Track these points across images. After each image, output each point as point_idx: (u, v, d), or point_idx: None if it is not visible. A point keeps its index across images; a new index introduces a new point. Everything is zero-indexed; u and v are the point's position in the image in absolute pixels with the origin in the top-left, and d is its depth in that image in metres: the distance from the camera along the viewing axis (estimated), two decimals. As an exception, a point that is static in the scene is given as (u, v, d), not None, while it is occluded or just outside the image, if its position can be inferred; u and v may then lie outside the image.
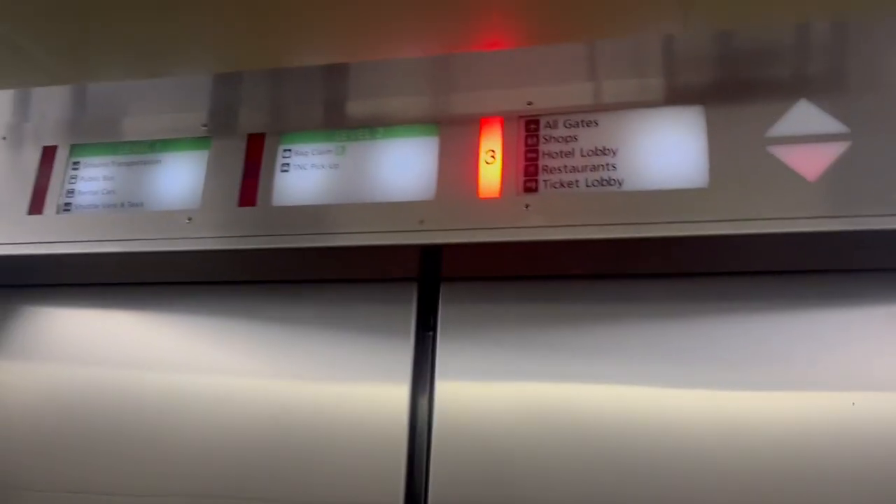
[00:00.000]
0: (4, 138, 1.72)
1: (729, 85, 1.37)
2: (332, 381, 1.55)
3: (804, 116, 1.32)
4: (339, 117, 1.55)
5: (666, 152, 1.37)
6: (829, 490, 1.29)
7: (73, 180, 1.66)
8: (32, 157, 1.69)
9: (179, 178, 1.59)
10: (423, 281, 1.59)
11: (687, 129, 1.37)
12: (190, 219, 1.54)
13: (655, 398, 1.41)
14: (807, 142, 1.31)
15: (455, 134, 1.47)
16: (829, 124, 1.31)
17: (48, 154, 1.69)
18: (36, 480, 1.61)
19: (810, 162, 1.30)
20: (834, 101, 1.32)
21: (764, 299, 1.41)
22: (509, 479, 1.41)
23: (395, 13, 1.39)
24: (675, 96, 1.39)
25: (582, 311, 1.50)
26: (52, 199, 1.65)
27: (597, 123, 1.42)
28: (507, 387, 1.48)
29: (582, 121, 1.43)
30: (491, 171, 1.43)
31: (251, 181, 1.54)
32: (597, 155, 1.40)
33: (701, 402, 1.39)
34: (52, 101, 1.70)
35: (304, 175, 1.53)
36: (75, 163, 1.67)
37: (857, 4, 1.25)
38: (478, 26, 1.37)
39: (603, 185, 1.38)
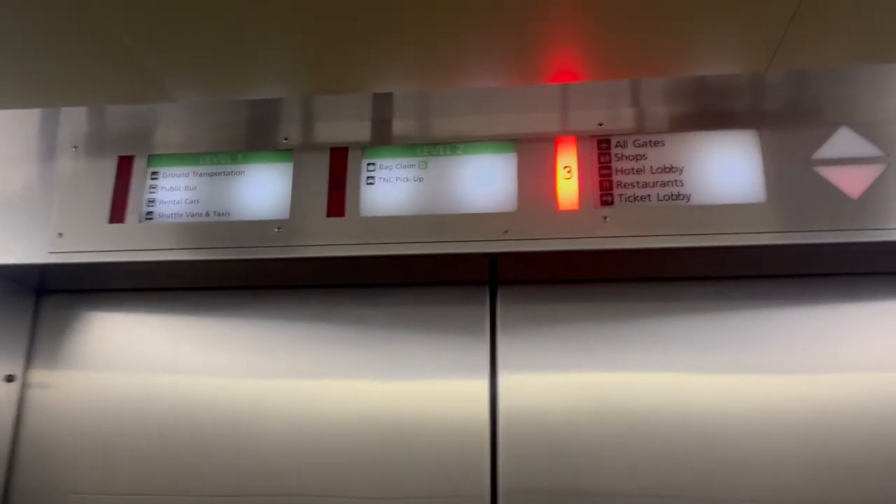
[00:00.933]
0: (76, 147, 1.76)
1: (780, 113, 1.56)
2: (413, 379, 1.67)
3: (846, 141, 1.53)
4: (423, 134, 1.67)
5: (727, 171, 1.55)
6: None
7: (153, 190, 1.72)
8: (108, 167, 1.74)
9: (265, 189, 1.68)
10: (492, 283, 1.73)
11: (743, 150, 1.56)
12: (279, 228, 1.63)
13: (701, 385, 1.59)
14: (849, 163, 1.51)
15: (532, 151, 1.61)
16: (868, 149, 1.52)
17: (124, 164, 1.74)
18: (123, 485, 1.67)
19: (853, 181, 1.50)
20: (871, 129, 1.52)
21: (805, 299, 1.61)
22: (572, 466, 1.57)
23: (483, 46, 1.52)
24: (732, 122, 1.57)
25: (631, 309, 1.67)
26: (133, 208, 1.70)
27: (664, 144, 1.59)
28: (567, 378, 1.63)
29: (650, 141, 1.59)
30: (568, 186, 1.58)
31: (338, 193, 1.64)
32: (665, 172, 1.57)
33: (743, 389, 1.58)
34: (126, 115, 1.75)
35: (390, 187, 1.64)
36: (154, 173, 1.73)
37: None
38: (571, 57, 1.51)
39: (673, 199, 1.55)
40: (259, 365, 1.72)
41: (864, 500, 1.48)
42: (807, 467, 1.51)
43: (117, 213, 1.70)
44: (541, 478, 1.57)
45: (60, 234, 1.69)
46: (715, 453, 1.54)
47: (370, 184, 1.65)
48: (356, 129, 1.69)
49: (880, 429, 1.52)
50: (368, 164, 1.67)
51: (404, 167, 1.66)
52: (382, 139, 1.68)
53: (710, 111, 1.59)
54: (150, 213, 1.70)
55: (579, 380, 1.63)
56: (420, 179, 1.64)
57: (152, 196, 1.72)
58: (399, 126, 1.69)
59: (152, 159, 1.74)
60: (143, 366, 1.75)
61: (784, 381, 1.57)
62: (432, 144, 1.66)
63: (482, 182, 1.62)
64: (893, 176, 1.49)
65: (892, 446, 1.50)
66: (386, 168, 1.66)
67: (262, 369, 1.71)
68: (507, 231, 1.56)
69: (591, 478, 1.55)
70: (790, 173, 1.52)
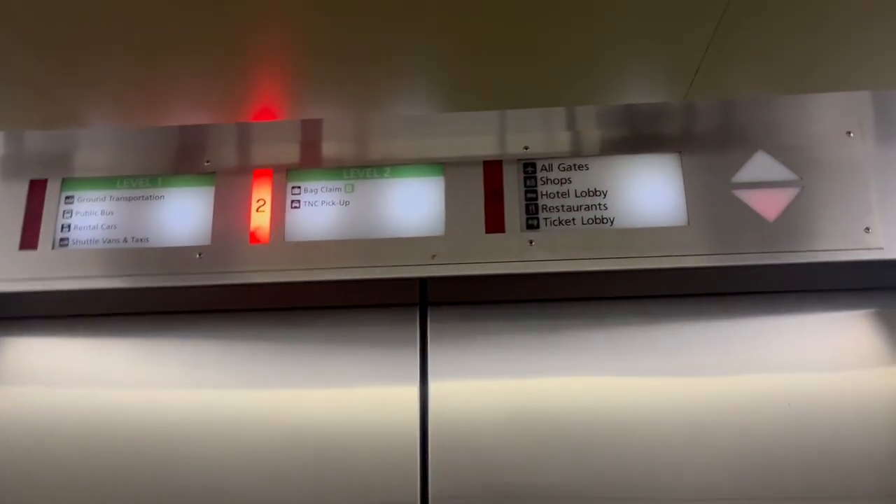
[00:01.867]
0: (-16, 171, 1.68)
1: (700, 138, 1.60)
2: (343, 388, 1.65)
3: (762, 165, 1.57)
4: (349, 157, 1.65)
5: (649, 194, 1.58)
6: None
7: (67, 215, 1.65)
8: (19, 191, 1.67)
9: (186, 214, 1.63)
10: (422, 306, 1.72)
11: (665, 173, 1.58)
12: (200, 254, 1.59)
13: (623, 390, 1.61)
14: (765, 187, 1.56)
15: (459, 174, 1.61)
16: (783, 172, 1.56)
17: (37, 188, 1.67)
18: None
19: (769, 204, 1.54)
20: (785, 153, 1.57)
21: (723, 315, 1.65)
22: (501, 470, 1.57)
23: (402, 72, 1.51)
24: (655, 146, 1.60)
25: (557, 325, 1.68)
26: (46, 234, 1.63)
27: (588, 167, 1.61)
28: (495, 385, 1.63)
29: (574, 164, 1.61)
30: (495, 210, 1.58)
31: (261, 217, 1.61)
32: (590, 196, 1.59)
33: (663, 394, 1.61)
34: (38, 138, 1.67)
35: (315, 211, 1.62)
36: (68, 197, 1.66)
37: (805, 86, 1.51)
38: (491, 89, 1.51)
39: (597, 222, 1.57)
40: (186, 384, 1.67)
41: (776, 493, 1.53)
42: (724, 466, 1.55)
43: (29, 239, 1.63)
44: (470, 483, 1.57)
45: (-34, 262, 1.61)
46: (640, 454, 1.56)
47: (295, 208, 1.62)
48: (281, 152, 1.66)
49: (791, 427, 1.56)
50: (293, 188, 1.64)
51: (330, 190, 1.63)
52: (308, 162, 1.65)
53: (633, 136, 1.62)
54: (64, 239, 1.64)
55: (507, 387, 1.63)
56: (346, 203, 1.62)
57: (67, 221, 1.65)
58: (325, 149, 1.66)
59: (67, 183, 1.67)
60: (61, 388, 1.68)
61: (703, 386, 1.61)
62: (359, 167, 1.64)
63: (410, 206, 1.61)
64: (807, 199, 1.54)
65: (806, 447, 1.55)
66: (311, 191, 1.63)
67: (190, 388, 1.67)
68: (434, 255, 1.56)
69: (520, 481, 1.56)
70: (710, 196, 1.56)
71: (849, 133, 1.58)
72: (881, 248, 1.50)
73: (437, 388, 1.64)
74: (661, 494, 1.54)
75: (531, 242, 1.55)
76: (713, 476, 1.54)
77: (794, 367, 1.60)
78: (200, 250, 1.59)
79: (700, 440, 1.56)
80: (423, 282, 1.61)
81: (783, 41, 1.33)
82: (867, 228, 1.51)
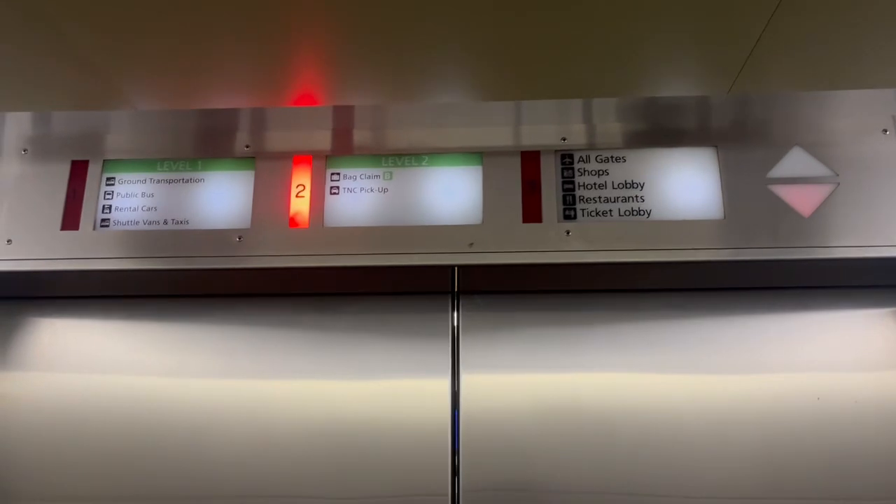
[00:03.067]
0: (25, 151, 1.70)
1: (737, 133, 1.61)
2: (376, 380, 1.67)
3: (798, 161, 1.58)
4: (388, 145, 1.66)
5: (686, 187, 1.59)
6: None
7: (108, 196, 1.67)
8: (61, 172, 1.68)
9: (226, 198, 1.65)
10: (454, 293, 1.74)
11: (702, 167, 1.60)
12: (240, 238, 1.61)
13: (657, 387, 1.63)
14: (801, 183, 1.57)
15: (497, 164, 1.63)
16: (819, 169, 1.58)
17: (78, 169, 1.68)
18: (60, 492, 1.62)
19: (805, 199, 1.56)
20: (822, 150, 1.59)
21: (756, 310, 1.67)
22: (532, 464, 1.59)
23: (441, 60, 1.52)
24: (692, 139, 1.62)
25: (591, 317, 1.70)
26: (87, 215, 1.65)
27: (625, 160, 1.62)
28: (527, 379, 1.65)
29: (612, 156, 1.63)
30: (532, 200, 1.60)
31: (301, 202, 1.62)
32: (627, 188, 1.60)
33: (698, 391, 1.62)
34: (81, 119, 1.69)
35: (354, 198, 1.63)
36: (109, 178, 1.68)
37: (849, 83, 1.52)
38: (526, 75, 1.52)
39: (634, 214, 1.58)
40: (219, 370, 1.69)
41: (807, 493, 1.54)
42: (756, 463, 1.56)
43: (70, 220, 1.65)
44: (501, 476, 1.58)
45: (9, 241, 1.62)
46: (671, 451, 1.58)
47: (334, 194, 1.64)
48: (320, 139, 1.68)
49: (823, 427, 1.58)
50: (332, 174, 1.66)
51: (369, 178, 1.65)
52: (347, 149, 1.67)
53: (670, 129, 1.63)
54: (105, 220, 1.65)
55: (539, 381, 1.65)
56: (385, 190, 1.64)
57: (108, 203, 1.67)
58: (364, 136, 1.68)
59: (108, 164, 1.69)
60: (97, 371, 1.70)
61: (736, 383, 1.62)
62: (398, 155, 1.66)
63: (448, 194, 1.63)
64: (842, 195, 1.56)
65: (836, 445, 1.56)
66: (350, 178, 1.65)
67: (223, 374, 1.68)
68: (472, 244, 1.57)
69: (550, 475, 1.58)
70: (747, 191, 1.57)
71: (884, 131, 1.59)
72: (916, 246, 1.52)
73: (469, 379, 1.65)
74: (691, 492, 1.55)
75: (568, 232, 1.57)
76: (745, 474, 1.55)
77: (826, 364, 1.62)
78: (240, 234, 1.61)
79: (731, 438, 1.57)
80: (457, 270, 1.63)
81: (831, 37, 1.34)
82: (902, 226, 1.53)
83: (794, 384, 1.61)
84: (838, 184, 1.56)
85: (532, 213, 1.59)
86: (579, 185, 1.61)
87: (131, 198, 1.67)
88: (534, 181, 1.61)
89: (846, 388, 1.60)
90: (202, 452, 1.63)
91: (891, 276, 1.60)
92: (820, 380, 1.61)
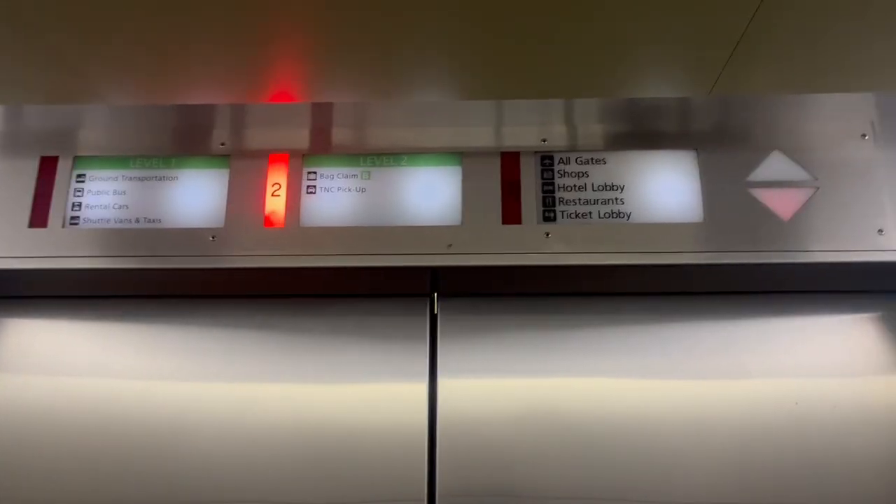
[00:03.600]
0: (-6, 146, 1.66)
1: (717, 136, 1.61)
2: (351, 384, 1.63)
3: (778, 165, 1.58)
4: (367, 144, 1.64)
5: (666, 190, 1.58)
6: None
7: (78, 193, 1.63)
8: (29, 168, 1.64)
9: (200, 196, 1.61)
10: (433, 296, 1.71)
11: (682, 170, 1.59)
12: (214, 237, 1.57)
13: (634, 391, 1.61)
14: (781, 187, 1.57)
15: (477, 165, 1.61)
16: (798, 173, 1.58)
17: (47, 165, 1.64)
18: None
19: (784, 203, 1.56)
20: (801, 154, 1.58)
21: (734, 314, 1.66)
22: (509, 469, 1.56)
23: (422, 58, 1.50)
24: (672, 142, 1.61)
25: (569, 321, 1.68)
26: (56, 212, 1.61)
27: (605, 161, 1.61)
28: (505, 383, 1.62)
29: (592, 158, 1.61)
30: (512, 201, 1.58)
31: (277, 201, 1.59)
32: (607, 190, 1.59)
33: (674, 395, 1.61)
34: (51, 113, 1.65)
35: (331, 197, 1.61)
36: (80, 175, 1.64)
37: (831, 86, 1.52)
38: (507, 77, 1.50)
39: (613, 216, 1.57)
40: (192, 373, 1.65)
41: (786, 498, 1.53)
42: (735, 468, 1.55)
43: (38, 218, 1.61)
44: (478, 481, 1.56)
45: (-26, 239, 1.58)
46: (650, 456, 1.56)
47: (311, 193, 1.61)
48: (297, 137, 1.65)
49: (801, 432, 1.57)
50: (309, 173, 1.63)
51: (346, 177, 1.62)
52: (324, 148, 1.64)
53: (650, 131, 1.62)
54: (74, 217, 1.61)
55: (518, 386, 1.63)
56: (363, 190, 1.61)
57: (78, 200, 1.63)
58: (342, 135, 1.65)
59: (79, 161, 1.65)
60: (64, 373, 1.65)
61: (716, 388, 1.61)
62: (376, 155, 1.64)
63: (426, 195, 1.60)
64: (821, 200, 1.56)
65: (813, 448, 1.56)
66: (327, 178, 1.62)
67: (196, 377, 1.64)
68: (450, 245, 1.55)
69: (528, 481, 1.55)
70: (726, 194, 1.57)
71: (863, 136, 1.59)
72: (894, 251, 1.51)
73: (446, 383, 1.62)
74: (670, 498, 1.53)
75: (547, 234, 1.55)
76: (723, 479, 1.54)
77: (804, 369, 1.61)
78: (214, 233, 1.58)
79: (710, 442, 1.56)
80: (435, 272, 1.61)
81: (812, 39, 1.33)
82: (880, 230, 1.53)
83: (772, 389, 1.60)
84: (817, 188, 1.56)
85: (511, 214, 1.57)
86: (559, 187, 1.60)
87: (102, 195, 1.63)
88: (513, 182, 1.59)
89: (825, 393, 1.60)
90: (172, 458, 1.58)
91: (870, 282, 1.60)
92: (798, 385, 1.61)
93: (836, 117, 1.59)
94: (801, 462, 1.55)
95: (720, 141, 1.60)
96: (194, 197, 1.62)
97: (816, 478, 1.54)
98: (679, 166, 1.59)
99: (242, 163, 1.63)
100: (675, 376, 1.62)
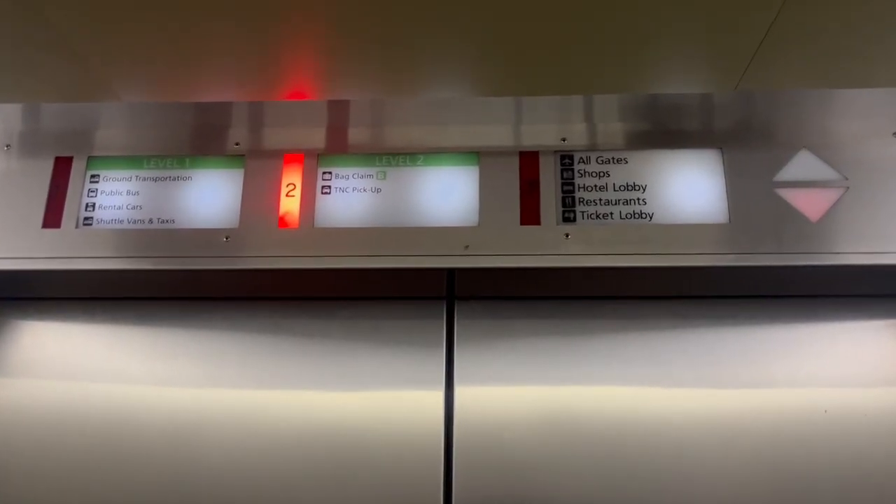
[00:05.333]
0: (8, 146, 1.65)
1: (743, 134, 1.56)
2: (367, 391, 1.60)
3: (806, 164, 1.53)
4: (382, 143, 1.61)
5: (690, 190, 1.54)
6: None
7: (92, 194, 1.61)
8: (43, 169, 1.63)
9: (214, 196, 1.59)
10: (449, 299, 1.68)
11: (706, 169, 1.55)
12: (228, 238, 1.55)
13: (658, 400, 1.56)
14: (809, 187, 1.52)
15: (495, 164, 1.57)
16: (827, 172, 1.52)
17: (61, 165, 1.63)
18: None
19: (813, 204, 1.50)
20: (830, 152, 1.53)
21: (761, 319, 1.61)
22: (527, 480, 1.52)
23: (439, 54, 1.47)
24: (696, 140, 1.56)
25: (590, 326, 1.63)
26: (69, 213, 1.59)
27: (627, 161, 1.57)
28: (523, 392, 1.58)
29: (613, 158, 1.57)
30: (531, 201, 1.54)
31: (291, 202, 1.57)
32: (628, 190, 1.55)
33: (699, 404, 1.55)
34: (65, 112, 1.64)
35: (347, 198, 1.58)
36: (94, 176, 1.63)
37: (862, 80, 1.47)
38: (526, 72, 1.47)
39: (635, 217, 1.53)
40: (205, 377, 1.62)
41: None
42: (762, 480, 1.49)
43: (52, 218, 1.59)
44: (495, 491, 1.52)
45: (-12, 239, 1.57)
46: (671, 466, 1.51)
47: (326, 193, 1.59)
48: (312, 137, 1.62)
49: (834, 444, 1.51)
50: (324, 173, 1.60)
51: (362, 177, 1.59)
52: (339, 147, 1.62)
53: (673, 129, 1.58)
54: (88, 218, 1.60)
55: (536, 393, 1.58)
56: (378, 190, 1.58)
57: (91, 201, 1.61)
58: (357, 134, 1.63)
59: (92, 161, 1.64)
60: (79, 378, 1.63)
61: (740, 397, 1.56)
62: (392, 154, 1.61)
63: (443, 195, 1.57)
64: (851, 200, 1.50)
65: (843, 459, 1.50)
66: (343, 178, 1.60)
67: (209, 381, 1.62)
68: (467, 246, 1.52)
69: (546, 491, 1.51)
70: (753, 194, 1.52)
71: (895, 134, 1.54)
72: (928, 252, 1.46)
73: (464, 390, 1.59)
74: None
75: (567, 235, 1.51)
76: (749, 491, 1.49)
77: (833, 376, 1.56)
78: (228, 233, 1.55)
79: (735, 453, 1.51)
80: (452, 274, 1.57)
81: (842, 32, 1.28)
82: (914, 232, 1.47)
83: (800, 397, 1.55)
84: (847, 188, 1.51)
85: (530, 215, 1.53)
86: (579, 187, 1.56)
87: (116, 195, 1.61)
88: (532, 182, 1.56)
89: (855, 401, 1.54)
90: (186, 464, 1.56)
91: (902, 285, 1.55)
92: (828, 393, 1.55)
93: (868, 114, 1.54)
94: (830, 473, 1.49)
95: (746, 139, 1.55)
96: (208, 197, 1.60)
97: (846, 490, 1.48)
98: (703, 165, 1.55)
99: (257, 163, 1.61)
100: (699, 384, 1.57)
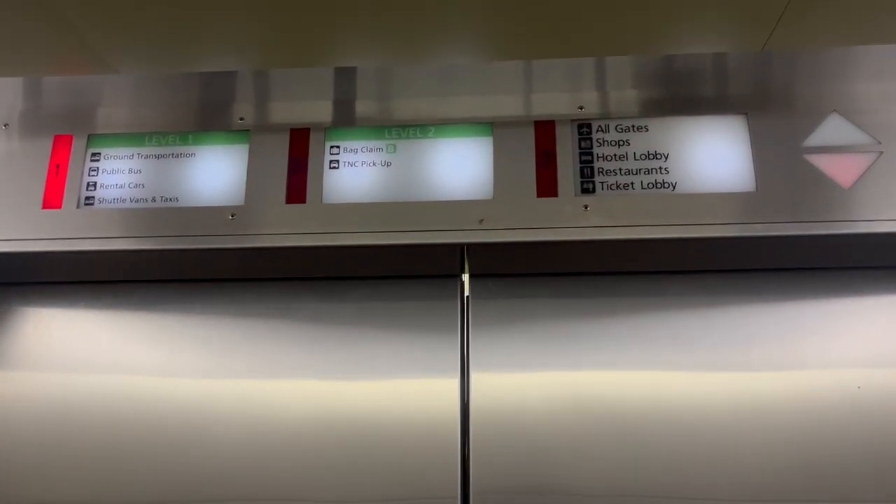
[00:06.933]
0: (7, 125, 1.60)
1: (769, 98, 1.48)
2: (380, 378, 1.54)
3: (837, 129, 1.46)
4: (392, 114, 1.55)
5: (714, 157, 1.47)
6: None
7: (93, 173, 1.56)
8: (42, 147, 1.58)
9: (218, 173, 1.54)
10: (463, 276, 1.62)
11: (731, 136, 1.47)
12: (233, 215, 1.49)
13: (683, 383, 1.50)
14: (840, 152, 1.44)
15: (509, 135, 1.51)
16: (859, 136, 1.45)
17: (61, 144, 1.58)
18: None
19: (844, 170, 1.43)
20: (862, 115, 1.46)
21: (791, 293, 1.54)
22: (546, 466, 1.46)
23: (448, 15, 1.40)
24: (719, 106, 1.49)
25: (611, 304, 1.57)
26: (70, 193, 1.54)
27: (647, 129, 1.50)
28: (542, 376, 1.52)
29: (633, 126, 1.50)
30: (548, 173, 1.48)
31: (299, 177, 1.51)
32: (650, 159, 1.48)
33: (727, 387, 1.49)
34: (64, 88, 1.58)
35: (355, 172, 1.52)
36: (94, 154, 1.58)
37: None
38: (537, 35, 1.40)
39: (658, 187, 1.46)
40: (212, 364, 1.57)
41: (853, 496, 1.41)
42: (795, 465, 1.43)
43: (52, 198, 1.54)
44: (514, 478, 1.46)
45: (-13, 221, 1.52)
46: (696, 452, 1.45)
47: (334, 168, 1.53)
48: (319, 109, 1.56)
49: (869, 424, 1.44)
50: (332, 147, 1.54)
51: (371, 150, 1.53)
52: (347, 120, 1.56)
53: (696, 95, 1.51)
54: (89, 198, 1.55)
55: (554, 378, 1.52)
56: (388, 164, 1.52)
57: (92, 180, 1.56)
58: (365, 106, 1.56)
59: (93, 139, 1.59)
60: (82, 365, 1.59)
61: (770, 378, 1.49)
62: (401, 126, 1.54)
63: (456, 167, 1.51)
64: (886, 165, 1.43)
65: (879, 441, 1.43)
66: (351, 151, 1.54)
67: (216, 369, 1.57)
68: (482, 220, 1.45)
69: (567, 478, 1.45)
70: (781, 161, 1.45)
71: (931, 95, 1.46)
72: (968, 218, 1.38)
73: (479, 374, 1.53)
74: (720, 494, 1.42)
75: (586, 207, 1.45)
76: (779, 473, 1.42)
77: (867, 351, 1.48)
78: (233, 211, 1.50)
79: (764, 434, 1.44)
80: (466, 249, 1.51)
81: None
82: (952, 197, 1.40)
83: (832, 374, 1.48)
84: (881, 152, 1.44)
85: (547, 186, 1.47)
86: (598, 157, 1.49)
87: (117, 174, 1.56)
88: (549, 153, 1.49)
89: (891, 378, 1.47)
90: (193, 453, 1.51)
91: (939, 254, 1.47)
92: (861, 369, 1.48)
93: (900, 73, 1.46)
94: (863, 452, 1.43)
95: (772, 103, 1.48)
96: (213, 174, 1.54)
97: (882, 469, 1.42)
98: (728, 132, 1.48)
99: (263, 137, 1.55)
100: (726, 363, 1.50)
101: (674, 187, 1.46)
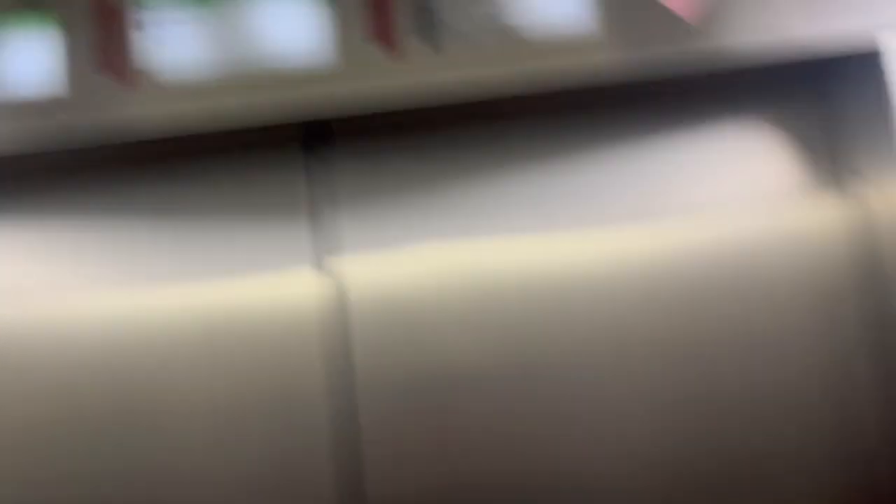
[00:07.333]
0: None
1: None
2: (230, 274, 1.44)
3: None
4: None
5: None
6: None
7: None
8: None
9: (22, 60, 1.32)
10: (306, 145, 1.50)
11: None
12: (49, 107, 1.30)
13: (551, 245, 1.47)
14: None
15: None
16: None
17: None
18: None
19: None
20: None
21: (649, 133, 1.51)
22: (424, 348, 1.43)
23: None
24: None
25: (467, 162, 1.50)
26: None
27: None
28: (412, 251, 1.46)
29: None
30: (381, 19, 1.34)
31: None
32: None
33: (601, 245, 1.46)
34: None
35: (168, 38, 1.34)
36: None
37: None
38: None
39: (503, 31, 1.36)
40: (42, 278, 1.43)
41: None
42: (667, 323, 1.43)
43: None
44: (395, 364, 1.41)
45: None
46: (569, 319, 1.43)
47: (144, 38, 1.34)
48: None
49: (727, 269, 1.46)
50: (139, 13, 1.34)
51: (183, 15, 1.35)
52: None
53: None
54: None
55: (418, 252, 1.46)
56: (205, 30, 1.34)
57: None
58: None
59: None
60: None
61: (636, 232, 1.47)
62: (212, -12, 1.36)
63: (278, 26, 1.35)
64: (733, -12, 1.37)
65: (734, 286, 1.45)
66: (160, 17, 1.35)
67: (44, 282, 1.43)
68: (318, 82, 1.32)
69: (445, 358, 1.41)
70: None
71: None
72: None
73: (340, 257, 1.44)
74: (607, 360, 1.42)
75: (429, 57, 1.33)
76: (669, 340, 1.42)
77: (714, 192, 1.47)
78: (47, 102, 1.30)
79: (649, 296, 1.43)
80: (306, 119, 1.37)
81: None
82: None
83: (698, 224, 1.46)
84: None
85: (383, 35, 1.34)
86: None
87: None
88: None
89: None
90: (30, 377, 1.39)
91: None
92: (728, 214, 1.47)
93: None
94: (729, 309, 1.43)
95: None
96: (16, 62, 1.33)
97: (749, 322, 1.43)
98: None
99: (64, 14, 1.33)
100: (601, 221, 1.46)
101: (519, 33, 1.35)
